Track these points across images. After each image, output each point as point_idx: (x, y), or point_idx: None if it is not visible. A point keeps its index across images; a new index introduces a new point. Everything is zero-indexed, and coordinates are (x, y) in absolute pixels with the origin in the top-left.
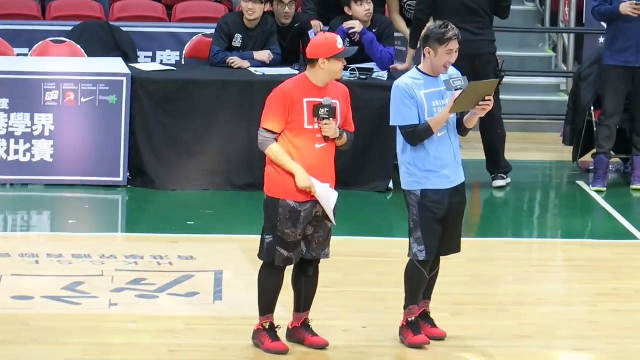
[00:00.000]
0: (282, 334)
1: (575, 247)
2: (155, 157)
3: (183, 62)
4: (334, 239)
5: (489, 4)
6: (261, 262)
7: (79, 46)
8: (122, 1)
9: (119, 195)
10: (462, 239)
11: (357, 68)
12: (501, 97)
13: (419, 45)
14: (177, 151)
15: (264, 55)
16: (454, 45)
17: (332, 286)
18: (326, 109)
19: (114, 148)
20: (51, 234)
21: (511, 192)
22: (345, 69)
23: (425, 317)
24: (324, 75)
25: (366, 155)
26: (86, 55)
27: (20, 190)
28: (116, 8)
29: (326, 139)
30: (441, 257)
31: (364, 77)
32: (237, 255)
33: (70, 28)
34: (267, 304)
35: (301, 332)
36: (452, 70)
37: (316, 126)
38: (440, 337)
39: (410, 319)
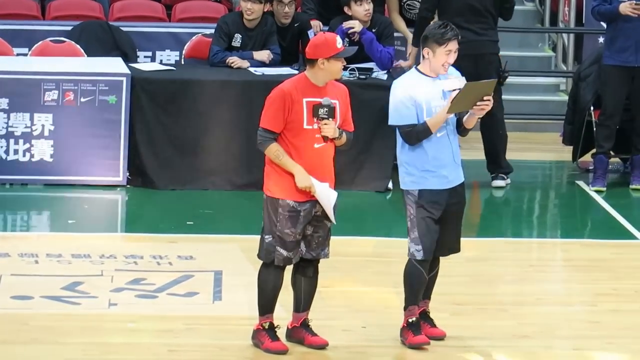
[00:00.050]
0: (281, 333)
1: (574, 246)
2: (155, 157)
3: (183, 62)
4: (333, 239)
5: (493, 5)
6: (261, 262)
7: (78, 46)
8: (121, 1)
9: (118, 195)
10: (462, 239)
11: (357, 68)
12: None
13: None
14: (176, 151)
15: (263, 55)
16: (453, 45)
17: (332, 286)
18: (325, 109)
19: (113, 148)
20: (51, 233)
21: (511, 192)
22: (345, 68)
23: (424, 316)
24: (323, 75)
25: (365, 155)
26: (86, 55)
27: (19, 190)
28: (116, 8)
29: (325, 138)
30: (441, 257)
31: (363, 77)
32: (236, 255)
33: (69, 28)
34: (266, 303)
35: (301, 332)
36: (451, 70)
37: (315, 126)
38: (440, 337)
39: (410, 320)
